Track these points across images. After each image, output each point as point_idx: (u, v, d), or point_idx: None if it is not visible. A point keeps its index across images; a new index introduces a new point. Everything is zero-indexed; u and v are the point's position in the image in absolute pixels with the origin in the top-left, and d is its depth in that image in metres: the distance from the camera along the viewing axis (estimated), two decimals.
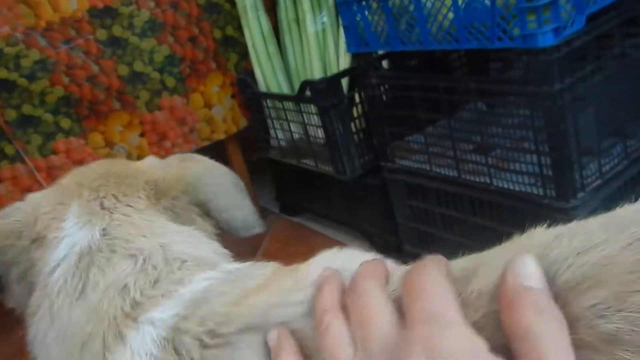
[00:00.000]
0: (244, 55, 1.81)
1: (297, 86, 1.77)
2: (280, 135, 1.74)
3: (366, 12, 1.23)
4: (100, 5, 1.57)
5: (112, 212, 0.56)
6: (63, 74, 1.54)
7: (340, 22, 1.69)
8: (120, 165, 0.64)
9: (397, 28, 1.17)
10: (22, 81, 1.49)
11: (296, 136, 1.66)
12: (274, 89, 1.73)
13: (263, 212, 1.99)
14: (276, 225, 1.90)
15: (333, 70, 1.68)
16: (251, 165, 1.98)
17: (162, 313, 0.44)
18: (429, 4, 1.07)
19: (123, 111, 1.64)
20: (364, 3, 1.22)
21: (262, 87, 1.75)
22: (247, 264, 0.49)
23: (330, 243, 1.68)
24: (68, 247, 0.53)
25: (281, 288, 0.40)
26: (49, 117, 1.55)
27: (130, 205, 0.57)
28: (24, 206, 0.59)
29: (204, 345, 0.40)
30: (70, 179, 0.61)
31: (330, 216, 1.74)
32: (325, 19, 1.69)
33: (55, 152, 1.57)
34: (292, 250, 1.66)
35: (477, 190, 1.16)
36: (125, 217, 0.55)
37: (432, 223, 1.32)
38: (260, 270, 0.46)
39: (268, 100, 1.71)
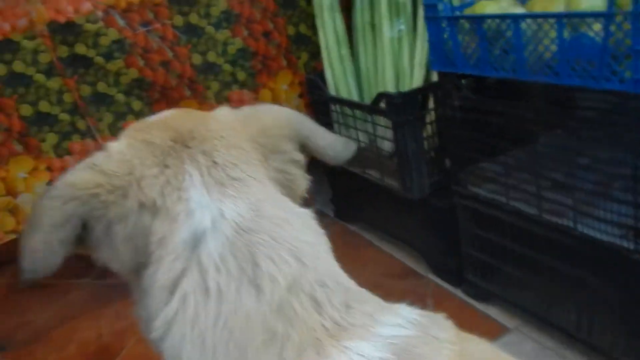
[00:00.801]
0: (315, 54, 1.79)
1: (366, 92, 1.73)
2: None
3: (456, 31, 1.18)
4: None
5: (244, 185, 0.54)
6: (139, 57, 1.55)
7: (418, 31, 1.65)
8: (203, 120, 0.60)
9: (490, 52, 1.12)
10: (99, 59, 1.50)
11: (362, 145, 1.63)
12: (344, 93, 1.70)
13: (318, 215, 1.96)
14: (330, 229, 1.87)
15: (406, 80, 1.64)
16: (308, 163, 1.95)
17: (372, 350, 0.44)
18: (529, 32, 1.02)
19: (193, 99, 1.64)
20: (455, 22, 1.17)
21: (332, 90, 1.72)
22: (421, 315, 0.49)
23: (384, 257, 1.66)
24: (209, 219, 0.50)
25: None
26: (121, 97, 1.56)
27: (253, 177, 0.55)
28: (113, 160, 0.54)
29: None
30: (159, 135, 0.56)
31: (387, 229, 1.71)
32: (402, 27, 1.65)
33: None
34: (344, 259, 1.64)
35: (557, 233, 1.10)
36: (259, 191, 0.54)
37: (500, 257, 1.28)
38: (443, 334, 0.47)
39: (337, 105, 1.68)
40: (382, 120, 1.49)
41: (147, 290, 0.52)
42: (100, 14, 1.46)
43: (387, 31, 1.63)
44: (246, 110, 0.63)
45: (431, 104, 1.46)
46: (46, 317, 1.69)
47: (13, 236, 1.51)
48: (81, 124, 1.53)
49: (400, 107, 1.38)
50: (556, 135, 1.16)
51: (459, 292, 1.45)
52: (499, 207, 1.23)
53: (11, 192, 1.48)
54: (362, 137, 1.63)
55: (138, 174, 0.52)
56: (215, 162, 0.54)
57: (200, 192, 0.52)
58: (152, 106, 1.61)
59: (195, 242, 0.50)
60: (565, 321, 1.17)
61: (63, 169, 1.52)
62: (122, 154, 0.54)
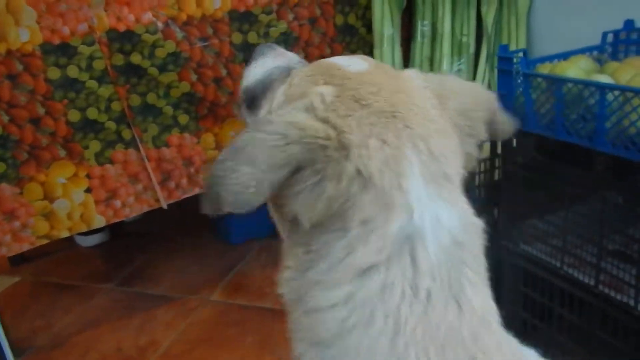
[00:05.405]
0: None
1: None
2: None
3: (530, 90, 1.14)
4: (242, 9, 1.54)
5: (454, 187, 0.52)
6: (192, 71, 1.52)
7: (478, 72, 1.62)
8: (407, 89, 0.55)
9: (566, 116, 1.08)
10: (153, 70, 1.47)
11: None
12: None
13: None
14: None
15: None
16: None
17: None
18: (615, 104, 0.98)
19: (240, 120, 1.61)
20: (532, 79, 1.13)
21: None
22: None
23: None
24: (429, 221, 0.49)
25: None
26: (169, 110, 1.53)
27: (458, 174, 0.53)
28: (331, 111, 0.50)
29: None
30: (372, 98, 0.52)
31: None
32: (462, 66, 1.62)
33: (167, 145, 1.55)
34: None
35: (614, 308, 1.07)
36: (463, 196, 0.53)
37: (545, 319, 1.24)
38: None
39: None
40: None
41: (323, 255, 0.50)
42: (160, 25, 1.43)
43: (446, 69, 1.59)
44: (437, 80, 0.59)
45: (486, 153, 1.42)
46: (67, 322, 1.67)
47: (45, 241, 1.48)
48: (126, 134, 1.50)
49: None
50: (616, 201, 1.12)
51: None
52: (552, 272, 1.19)
53: (48, 197, 1.45)
54: None
55: (357, 139, 0.49)
56: (432, 153, 0.50)
57: (419, 187, 0.49)
58: (199, 121, 1.58)
59: (412, 241, 0.48)
60: None
61: (102, 178, 1.50)
62: (335, 106, 0.50)
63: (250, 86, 0.67)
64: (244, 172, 0.47)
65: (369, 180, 0.48)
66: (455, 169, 0.53)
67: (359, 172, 0.48)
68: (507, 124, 0.64)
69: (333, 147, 0.48)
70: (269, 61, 0.68)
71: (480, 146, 0.60)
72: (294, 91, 0.56)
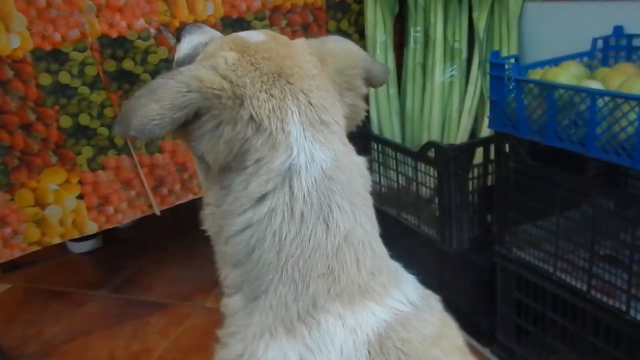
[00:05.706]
0: None
1: (409, 133, 1.70)
2: (382, 180, 1.67)
3: (523, 96, 1.15)
4: (235, 15, 1.54)
5: (330, 131, 0.63)
6: None
7: (470, 79, 1.62)
8: (294, 54, 0.66)
9: (558, 122, 1.09)
10: (146, 77, 1.47)
11: (400, 186, 1.59)
12: (387, 133, 1.67)
13: None
14: None
15: (453, 127, 1.61)
16: None
17: (381, 313, 0.59)
18: (605, 110, 0.99)
19: None
20: (523, 85, 1.14)
21: (375, 128, 1.68)
22: (419, 297, 0.64)
23: None
24: (304, 158, 0.60)
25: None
26: None
27: (336, 121, 0.64)
28: (230, 70, 0.61)
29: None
30: (264, 63, 0.63)
31: (416, 275, 1.67)
32: (455, 72, 1.62)
33: (160, 151, 1.55)
34: None
35: (606, 313, 1.07)
36: (339, 140, 0.64)
37: (538, 324, 1.24)
38: (432, 317, 0.63)
39: (379, 145, 1.65)
40: (424, 167, 1.45)
41: (230, 190, 0.62)
42: (152, 31, 1.43)
43: (438, 75, 1.60)
44: (319, 45, 0.69)
45: (479, 158, 1.42)
46: (58, 330, 1.65)
47: (36, 248, 1.47)
48: (119, 140, 1.49)
49: (451, 159, 1.34)
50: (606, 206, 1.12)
51: (487, 352, 1.41)
52: (545, 277, 1.19)
53: (40, 203, 1.44)
54: (401, 179, 1.59)
55: (250, 92, 0.61)
56: (310, 103, 0.62)
57: (298, 130, 0.61)
58: None
59: (290, 173, 0.60)
60: None
61: (95, 184, 1.49)
62: (235, 67, 0.62)
63: (180, 59, 0.78)
64: (152, 108, 0.57)
65: (260, 125, 0.60)
66: (333, 117, 0.64)
67: (251, 117, 0.60)
68: (381, 74, 0.74)
69: (227, 97, 0.59)
70: (195, 38, 0.78)
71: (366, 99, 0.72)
72: (206, 55, 0.67)
